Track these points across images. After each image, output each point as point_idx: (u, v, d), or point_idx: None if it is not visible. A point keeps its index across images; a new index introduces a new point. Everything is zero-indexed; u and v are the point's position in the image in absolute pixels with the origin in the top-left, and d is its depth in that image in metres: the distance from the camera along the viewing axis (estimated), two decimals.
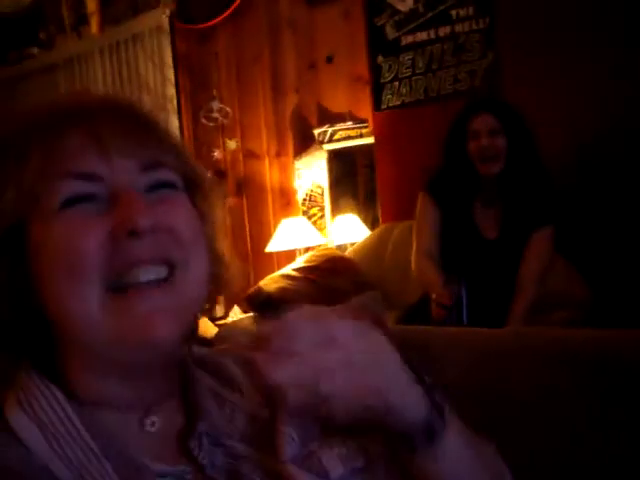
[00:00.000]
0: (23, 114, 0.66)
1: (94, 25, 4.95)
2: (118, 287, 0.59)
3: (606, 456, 1.04)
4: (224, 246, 0.71)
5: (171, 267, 0.61)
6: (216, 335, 2.49)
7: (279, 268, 3.67)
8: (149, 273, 0.60)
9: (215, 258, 0.69)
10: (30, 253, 0.61)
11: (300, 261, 3.27)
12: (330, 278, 3.14)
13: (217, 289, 0.70)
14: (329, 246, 3.77)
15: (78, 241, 0.59)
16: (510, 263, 2.44)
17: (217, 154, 4.50)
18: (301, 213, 4.16)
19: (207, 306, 0.71)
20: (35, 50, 5.33)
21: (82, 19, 5.05)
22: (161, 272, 0.61)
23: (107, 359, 0.62)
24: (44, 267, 0.60)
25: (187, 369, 0.70)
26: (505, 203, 2.48)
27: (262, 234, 4.27)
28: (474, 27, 3.36)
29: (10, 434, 0.60)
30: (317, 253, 3.42)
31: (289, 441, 0.68)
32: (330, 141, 4.02)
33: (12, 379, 0.63)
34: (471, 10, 3.37)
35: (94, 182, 0.61)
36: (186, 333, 0.65)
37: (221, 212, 0.72)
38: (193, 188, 0.68)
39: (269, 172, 4.40)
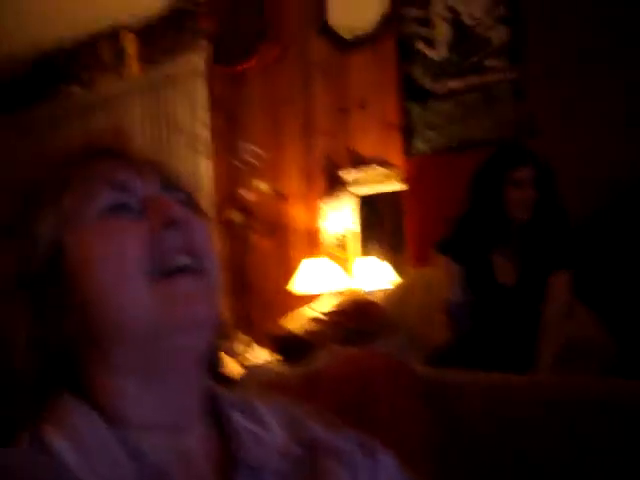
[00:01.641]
0: (60, 151, 0.72)
1: (134, 66, 5.09)
2: (159, 273, 0.64)
3: None
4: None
5: (199, 260, 0.66)
6: (244, 376, 2.51)
7: (301, 306, 3.70)
8: (184, 259, 0.65)
9: None
10: (67, 267, 0.64)
11: (327, 304, 3.29)
12: (356, 321, 3.15)
13: None
14: (356, 290, 3.78)
15: (123, 240, 0.64)
16: (528, 309, 2.47)
17: (246, 195, 4.56)
18: (327, 255, 4.18)
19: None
20: (76, 89, 5.48)
21: (121, 59, 5.18)
22: (192, 261, 0.66)
23: (145, 354, 0.63)
24: (90, 272, 0.63)
25: (216, 397, 0.72)
26: (524, 250, 2.52)
27: (286, 274, 4.29)
28: (505, 77, 3.41)
29: (48, 455, 0.60)
30: (345, 297, 3.44)
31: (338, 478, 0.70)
32: (359, 185, 4.05)
33: (45, 405, 0.64)
34: (503, 60, 3.42)
35: (128, 192, 0.67)
36: (216, 323, 0.68)
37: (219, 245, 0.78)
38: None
39: (296, 214, 4.44)
